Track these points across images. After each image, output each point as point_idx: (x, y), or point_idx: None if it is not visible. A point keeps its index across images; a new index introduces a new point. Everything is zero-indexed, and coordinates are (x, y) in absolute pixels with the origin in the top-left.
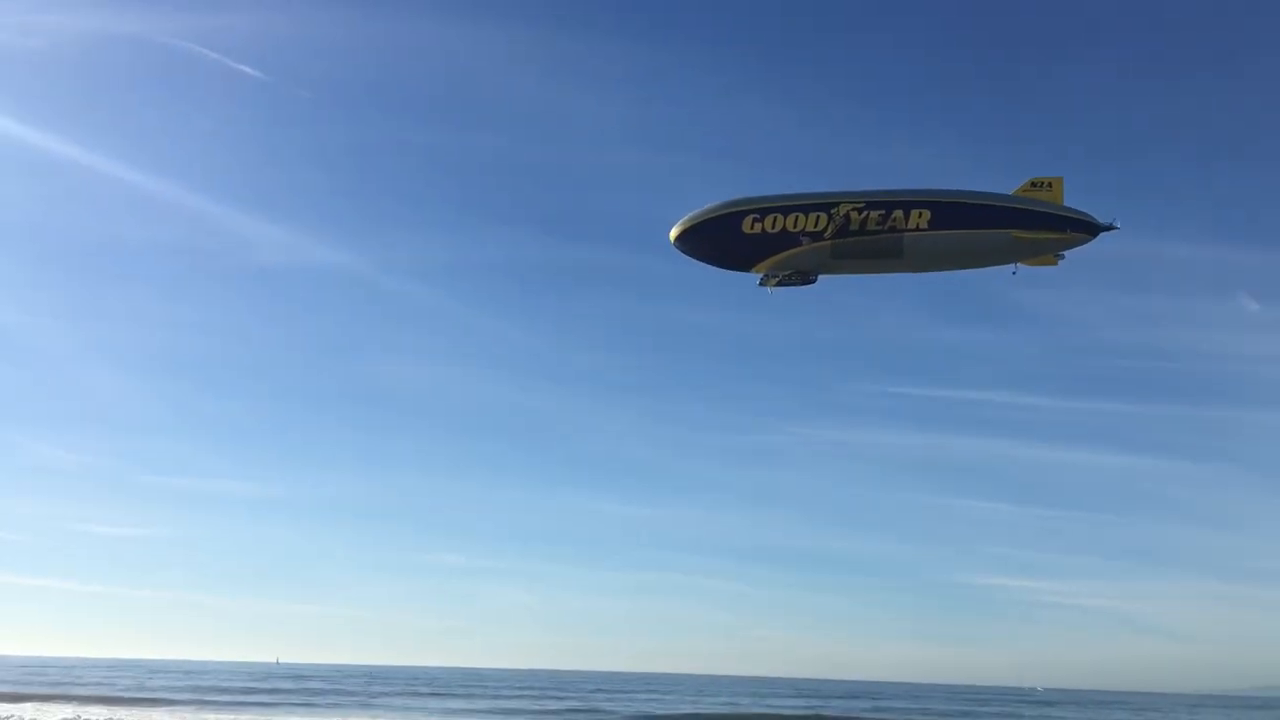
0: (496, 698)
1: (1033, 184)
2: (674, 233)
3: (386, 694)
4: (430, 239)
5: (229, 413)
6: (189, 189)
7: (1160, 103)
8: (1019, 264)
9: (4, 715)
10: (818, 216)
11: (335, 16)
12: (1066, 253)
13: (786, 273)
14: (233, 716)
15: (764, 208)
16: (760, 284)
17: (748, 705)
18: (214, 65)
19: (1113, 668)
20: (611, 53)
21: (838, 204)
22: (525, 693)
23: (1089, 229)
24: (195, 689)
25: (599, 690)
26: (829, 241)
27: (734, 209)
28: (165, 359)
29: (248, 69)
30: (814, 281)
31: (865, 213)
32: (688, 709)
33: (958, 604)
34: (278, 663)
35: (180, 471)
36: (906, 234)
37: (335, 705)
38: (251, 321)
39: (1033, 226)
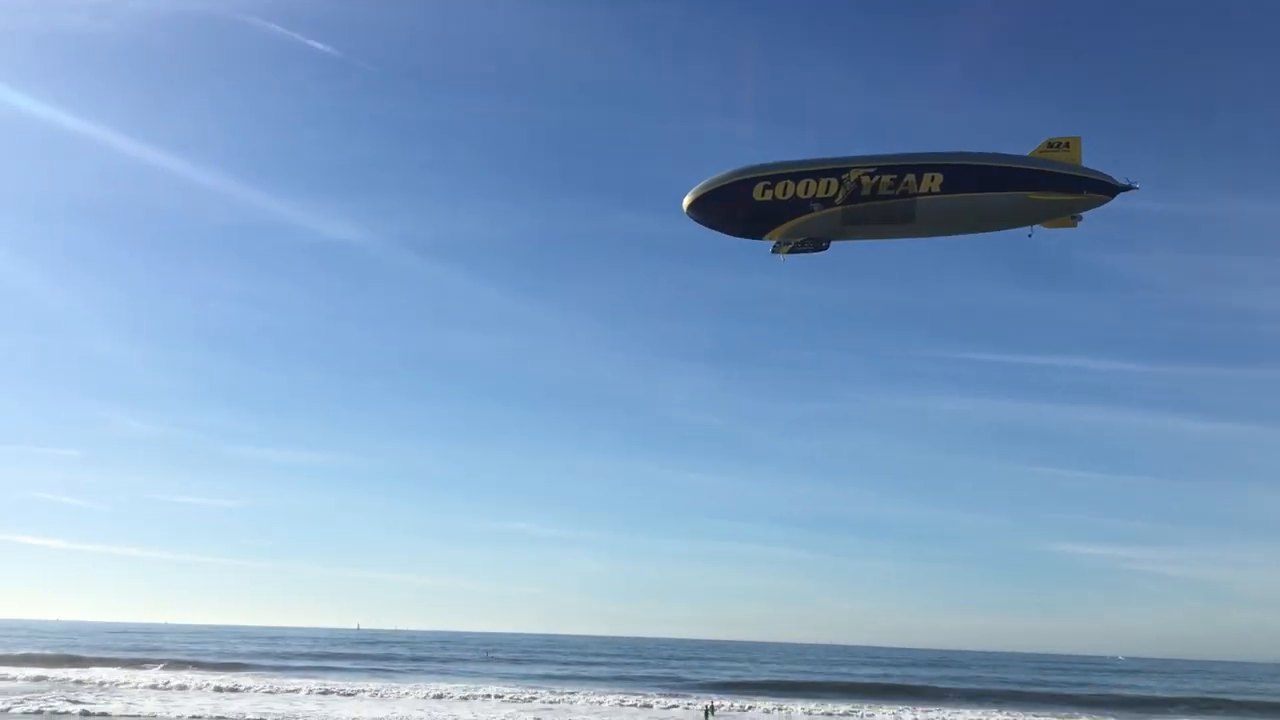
0: (573, 663)
1: (1050, 144)
2: (686, 201)
3: (462, 659)
4: (498, 210)
5: (305, 386)
6: (257, 167)
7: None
8: (1038, 226)
9: (98, 678)
10: (829, 182)
11: None
12: (1085, 214)
13: (799, 239)
14: (317, 680)
15: (775, 175)
16: (773, 251)
17: (824, 673)
18: (285, 41)
19: (1196, 636)
20: (670, 18)
21: (849, 169)
22: (601, 659)
23: (1106, 189)
24: (279, 654)
25: (673, 657)
26: (840, 207)
27: (745, 176)
28: (241, 335)
29: (318, 44)
30: (826, 248)
31: (877, 177)
32: (767, 676)
33: (1035, 572)
34: (358, 628)
35: (260, 443)
36: (919, 198)
37: (414, 670)
38: (323, 295)
39: (1047, 188)
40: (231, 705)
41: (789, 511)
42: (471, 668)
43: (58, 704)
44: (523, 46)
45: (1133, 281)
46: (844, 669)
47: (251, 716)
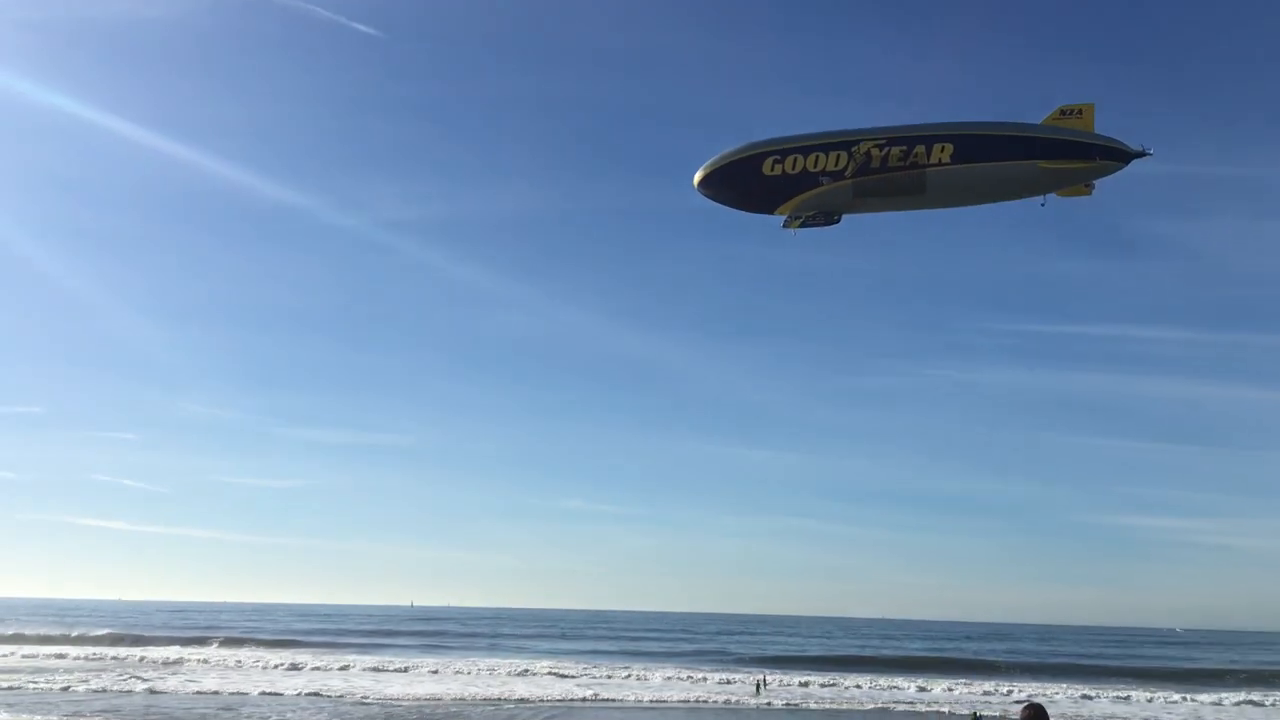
0: (624, 638)
1: (1062, 112)
2: (697, 177)
3: (516, 635)
4: (545, 186)
5: (360, 367)
6: (301, 150)
7: None
8: (1052, 195)
9: (159, 656)
10: (838, 155)
11: None
12: (1098, 181)
13: (810, 213)
14: (373, 656)
15: (784, 149)
16: (784, 225)
17: (877, 647)
18: (329, 24)
19: (1255, 607)
20: None
21: (858, 142)
22: (653, 634)
23: (1119, 156)
24: (335, 631)
25: (725, 632)
26: (850, 180)
27: (754, 151)
28: (290, 318)
29: (362, 26)
30: (838, 221)
31: (886, 149)
32: (816, 651)
33: (1090, 545)
34: (412, 605)
35: (313, 424)
36: (929, 169)
37: (466, 646)
38: (377, 275)
39: (1059, 156)
40: (290, 681)
41: (840, 486)
42: (523, 643)
43: (121, 682)
44: (571, 23)
45: (1185, 248)
46: (897, 643)
47: (309, 691)
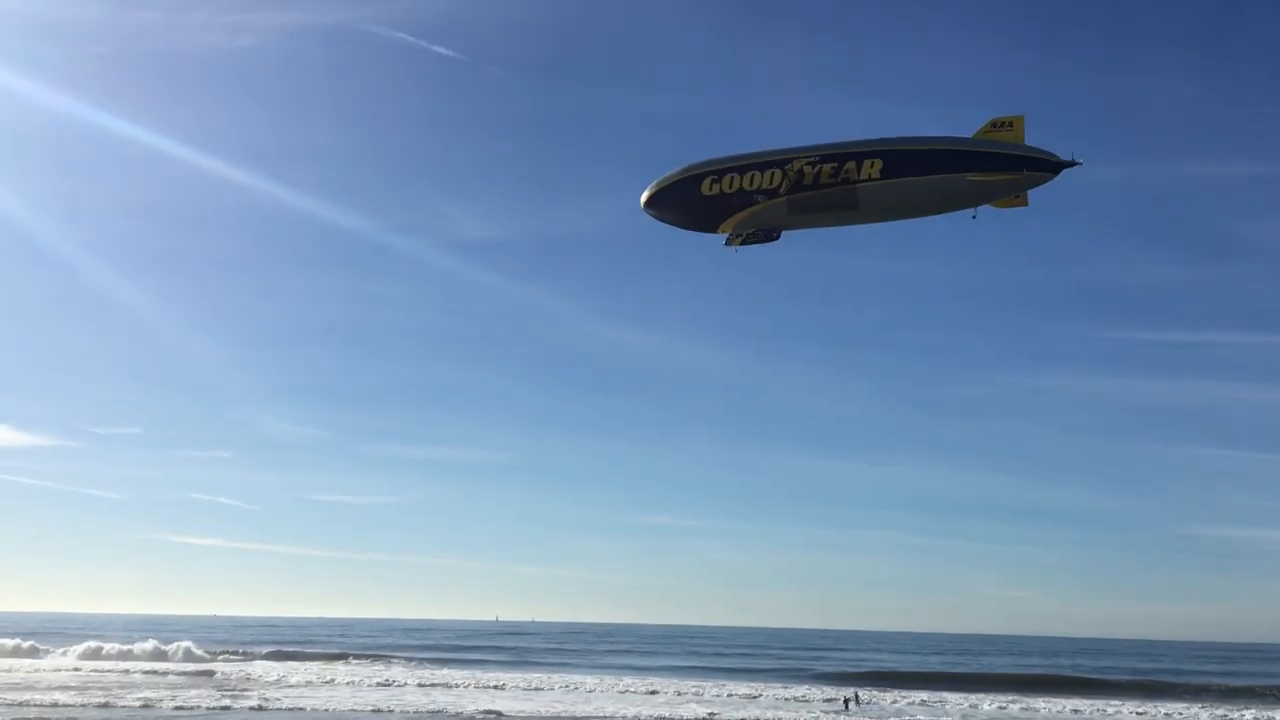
0: (707, 654)
1: (993, 124)
2: (642, 199)
3: (602, 650)
4: (619, 201)
5: (441, 383)
6: (386, 172)
7: None
8: (989, 205)
9: (259, 672)
10: (772, 174)
11: None
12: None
13: (749, 231)
14: (464, 671)
15: (721, 169)
16: (726, 244)
17: (966, 664)
18: (409, 48)
19: None
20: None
21: (791, 160)
22: (736, 650)
23: (1048, 167)
24: (423, 646)
25: (809, 648)
26: (785, 197)
27: (693, 172)
28: (377, 336)
29: (441, 49)
30: (778, 238)
31: (818, 166)
32: (906, 667)
33: (1189, 557)
34: (497, 620)
35: (401, 441)
36: (860, 185)
37: (558, 662)
38: (455, 294)
39: (987, 168)
40: (395, 697)
41: (927, 498)
42: (607, 660)
43: (226, 699)
44: (642, 36)
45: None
46: (988, 659)
47: (433, 708)
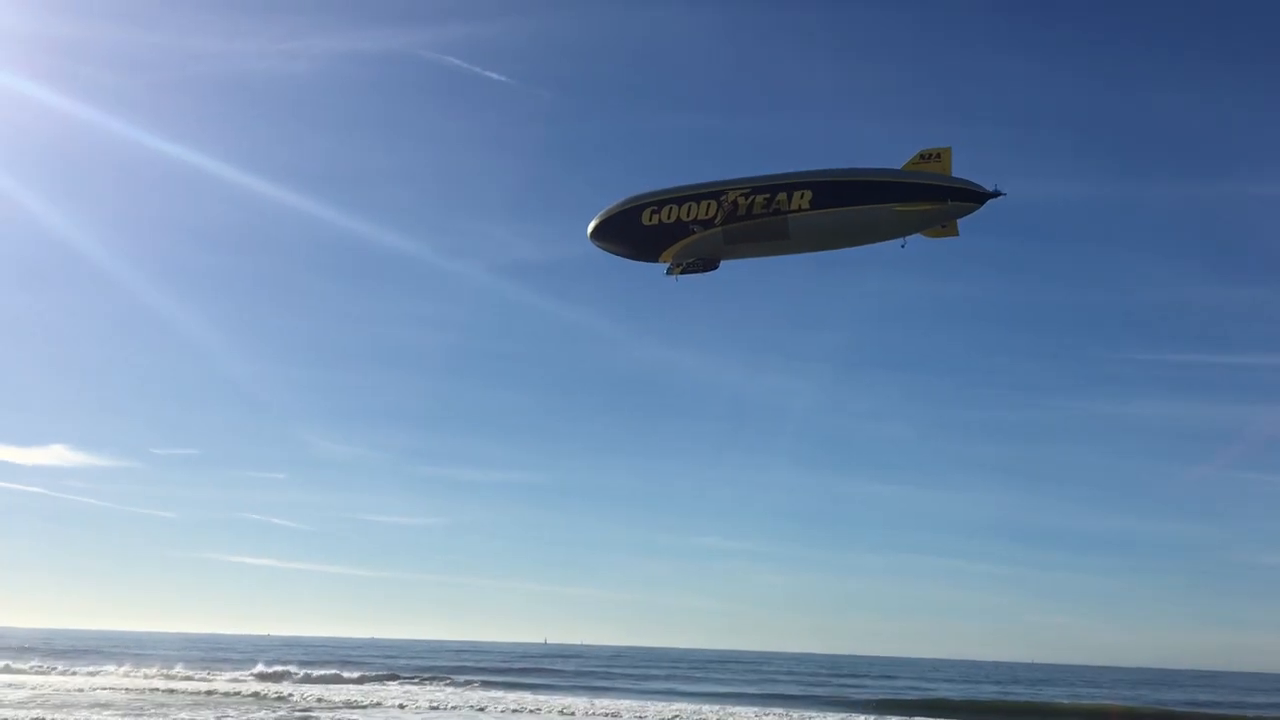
0: (754, 680)
1: (921, 155)
2: (588, 230)
3: (653, 675)
4: None
5: (493, 405)
6: (436, 196)
7: None
8: (920, 235)
9: (319, 694)
10: (708, 204)
11: (576, 15)
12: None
13: (689, 260)
14: (514, 694)
15: (660, 200)
16: (667, 273)
17: (1020, 692)
18: (460, 73)
19: None
20: (851, 18)
21: (726, 191)
22: (790, 675)
23: (972, 197)
24: (474, 669)
25: (858, 674)
26: (720, 228)
27: (634, 204)
28: (425, 358)
29: (494, 74)
30: (717, 267)
31: (751, 197)
32: (982, 694)
33: (1258, 585)
34: (546, 642)
35: (451, 463)
36: (791, 215)
37: (607, 685)
38: (503, 316)
39: (914, 199)
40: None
41: (982, 523)
42: (658, 685)
43: (281, 714)
44: (692, 58)
45: None
46: (1046, 689)
47: None
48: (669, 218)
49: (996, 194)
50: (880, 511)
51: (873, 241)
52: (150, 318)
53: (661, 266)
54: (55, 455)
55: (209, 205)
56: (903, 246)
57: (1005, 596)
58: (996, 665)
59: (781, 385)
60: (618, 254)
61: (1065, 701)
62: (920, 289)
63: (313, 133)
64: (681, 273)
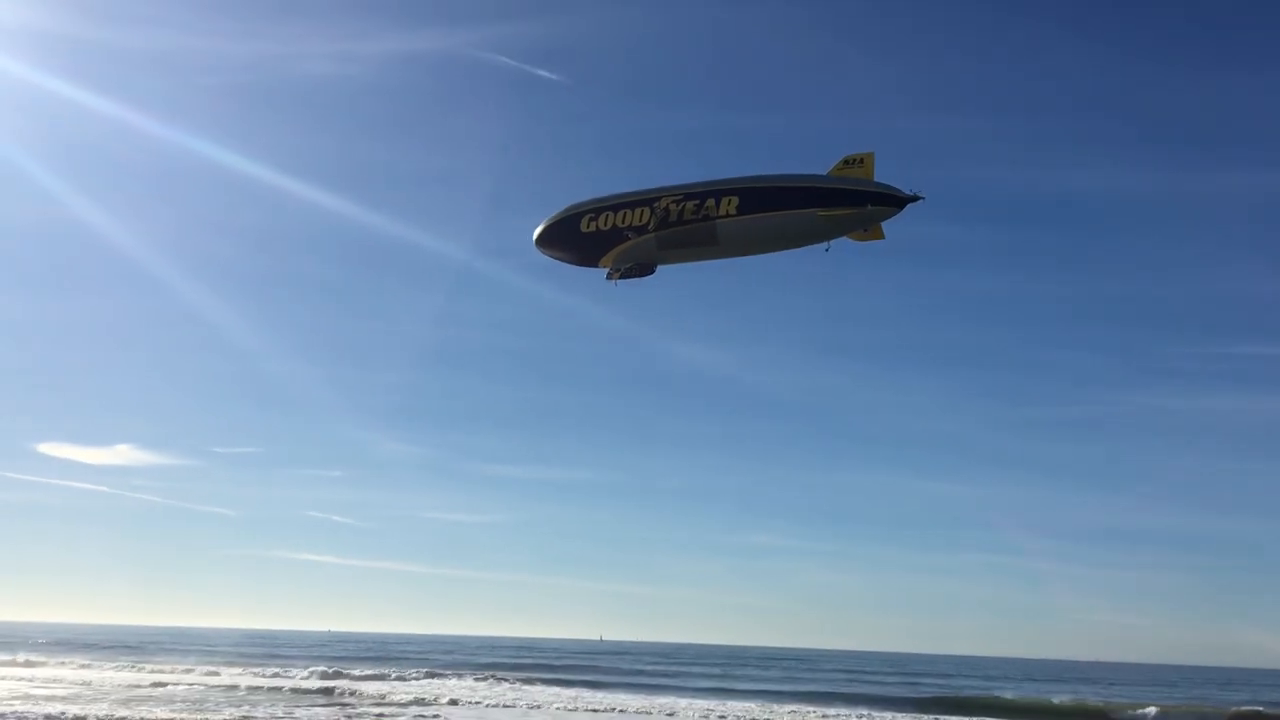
0: (805, 678)
1: (845, 161)
2: (534, 237)
3: (707, 673)
4: None
5: (546, 404)
6: (492, 196)
7: None
8: (847, 239)
9: (382, 690)
10: (641, 211)
11: (629, 13)
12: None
13: (627, 265)
14: (573, 692)
15: (597, 208)
16: (607, 278)
17: (1087, 693)
18: (513, 72)
19: None
20: (888, 12)
21: (659, 198)
22: (841, 672)
23: (892, 201)
24: (531, 665)
25: (920, 673)
26: (653, 233)
27: (573, 211)
28: (483, 357)
29: (545, 73)
30: (653, 272)
31: (682, 204)
32: (1010, 693)
33: None
34: (601, 640)
35: (509, 461)
36: (719, 221)
37: (664, 683)
38: (559, 315)
39: (835, 204)
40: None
41: (1038, 521)
42: (713, 683)
43: (344, 714)
44: (744, 55)
45: None
46: (1118, 689)
47: None
48: (605, 225)
49: (915, 198)
50: (928, 508)
51: (798, 246)
52: (207, 321)
53: (603, 271)
54: (122, 455)
55: (262, 209)
56: (826, 250)
57: (1054, 595)
58: (1050, 663)
59: (828, 383)
60: (562, 260)
61: (1122, 700)
62: (967, 281)
63: (366, 136)
64: (620, 277)
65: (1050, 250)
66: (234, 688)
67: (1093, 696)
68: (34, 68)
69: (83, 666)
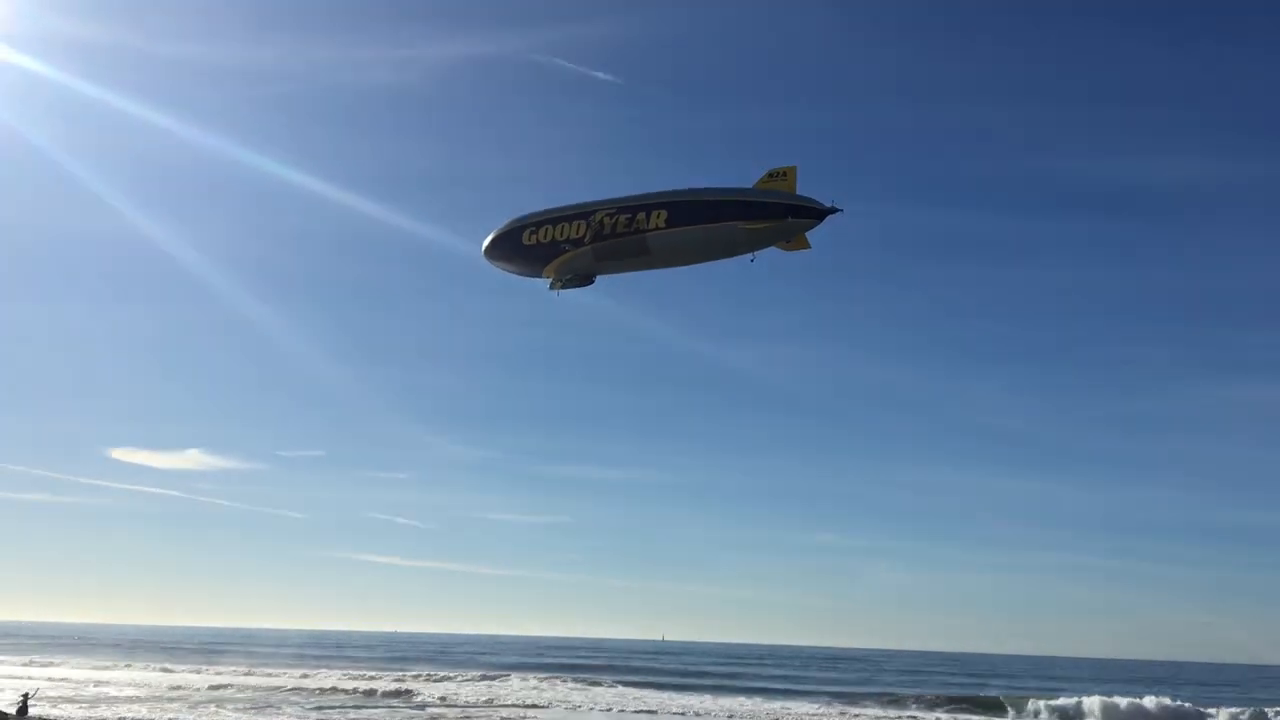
0: (882, 679)
1: (770, 174)
2: (481, 249)
3: (768, 673)
4: None
5: (607, 405)
6: (545, 197)
7: None
8: (776, 248)
9: (447, 691)
10: (578, 225)
11: (682, 11)
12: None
13: (568, 276)
14: (638, 692)
15: (537, 221)
16: (550, 288)
17: (1158, 692)
18: (569, 75)
19: None
20: (942, 4)
21: (595, 212)
22: (908, 672)
23: (812, 214)
24: (595, 666)
25: (991, 674)
26: (589, 246)
27: (515, 225)
28: (546, 359)
29: (601, 74)
30: (593, 282)
31: (615, 218)
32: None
33: None
34: (663, 639)
35: (570, 462)
36: (649, 234)
37: (726, 684)
38: (618, 316)
39: (756, 217)
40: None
41: (1107, 518)
42: (776, 684)
43: (408, 711)
44: (799, 50)
45: None
46: (1187, 689)
47: None
48: (545, 238)
49: (834, 210)
50: (999, 506)
51: (724, 256)
52: (257, 327)
53: (547, 281)
54: (191, 459)
55: (309, 218)
56: (751, 261)
57: (1141, 594)
58: (1131, 663)
59: (897, 381)
60: (508, 271)
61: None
62: (1037, 276)
63: (424, 141)
64: (562, 287)
65: (1108, 241)
66: (291, 689)
67: (1174, 697)
68: (98, 84)
69: (161, 670)
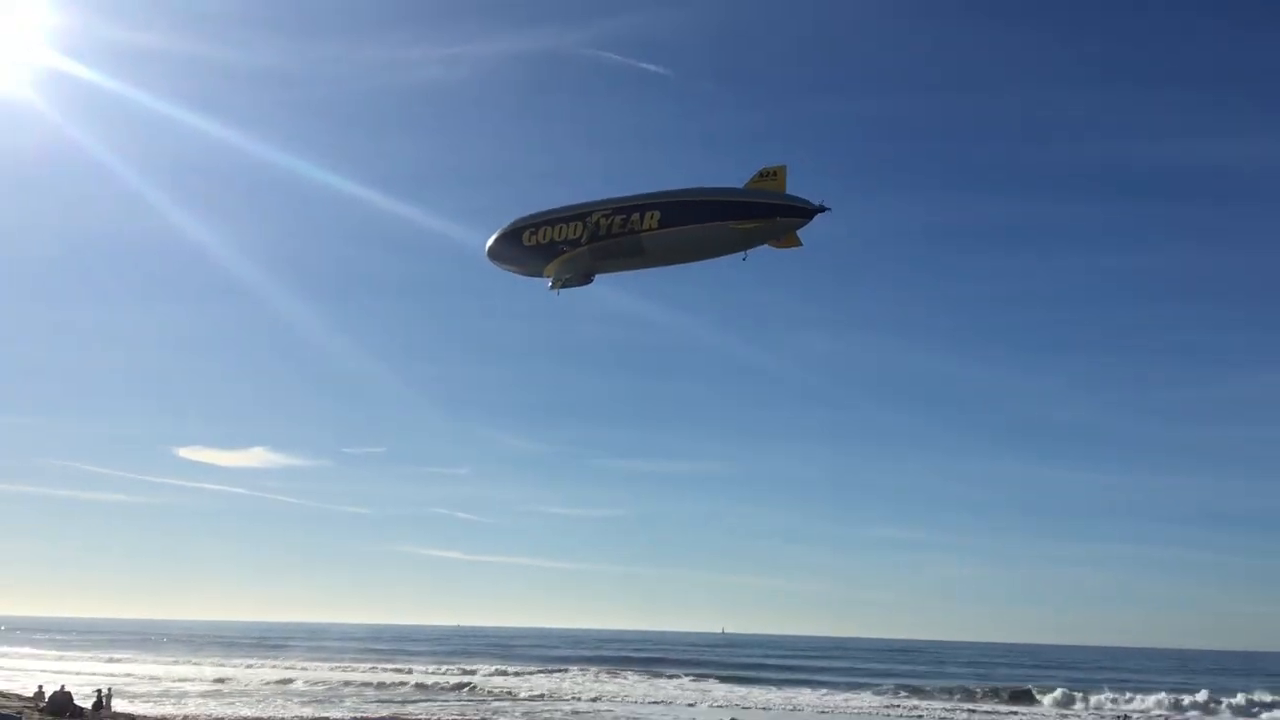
0: (946, 672)
1: (761, 174)
2: (485, 251)
3: (832, 666)
4: (840, 207)
5: (663, 397)
6: (594, 191)
7: None
8: (768, 246)
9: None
10: (575, 225)
11: (731, 2)
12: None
13: (567, 276)
14: (700, 685)
15: (537, 223)
16: (550, 288)
17: (1234, 685)
18: (620, 68)
19: None
20: None
21: (591, 213)
22: (977, 665)
23: (800, 213)
24: (655, 659)
25: (1060, 665)
26: (586, 246)
27: (516, 226)
28: (602, 352)
29: (651, 67)
30: (592, 281)
31: (611, 218)
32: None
33: None
34: (723, 632)
35: (628, 455)
36: (643, 234)
37: (789, 677)
38: (681, 308)
39: (746, 216)
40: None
41: (1175, 509)
42: (838, 677)
43: (472, 702)
44: (850, 39)
45: None
46: (1260, 680)
47: None
48: (544, 239)
49: (822, 209)
50: (1060, 498)
51: (717, 256)
52: (314, 326)
53: (547, 281)
54: (256, 457)
55: (358, 219)
56: (744, 260)
57: (1204, 585)
58: (1200, 654)
59: (951, 371)
60: (510, 271)
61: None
62: (1094, 262)
63: (476, 137)
64: (562, 287)
65: (1179, 225)
66: (360, 684)
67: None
68: (146, 89)
69: (229, 664)
